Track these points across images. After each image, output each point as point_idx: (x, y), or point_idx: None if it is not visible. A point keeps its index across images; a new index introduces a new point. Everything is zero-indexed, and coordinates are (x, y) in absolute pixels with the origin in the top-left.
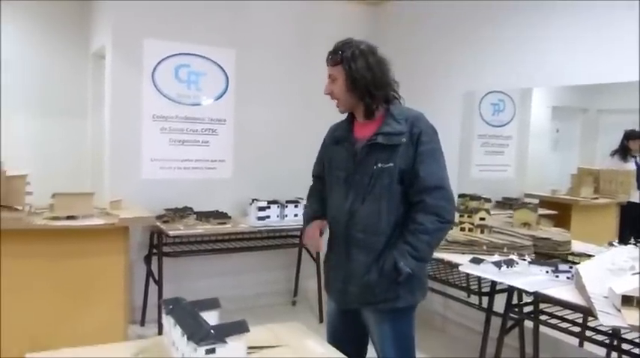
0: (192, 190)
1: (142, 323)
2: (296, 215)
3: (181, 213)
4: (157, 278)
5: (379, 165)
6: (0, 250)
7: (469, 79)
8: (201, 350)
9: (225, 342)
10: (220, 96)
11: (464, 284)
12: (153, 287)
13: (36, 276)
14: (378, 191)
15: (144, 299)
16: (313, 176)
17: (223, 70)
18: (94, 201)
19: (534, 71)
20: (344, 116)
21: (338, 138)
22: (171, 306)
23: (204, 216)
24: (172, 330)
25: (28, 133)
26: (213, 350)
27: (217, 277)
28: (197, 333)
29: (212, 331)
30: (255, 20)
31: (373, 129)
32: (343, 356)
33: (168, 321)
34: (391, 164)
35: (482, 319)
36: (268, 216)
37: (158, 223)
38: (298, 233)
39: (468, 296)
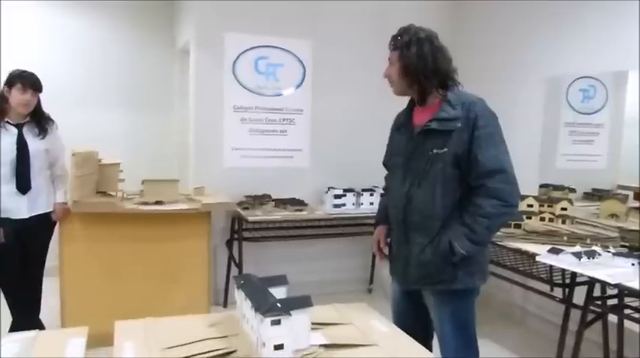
0: (271, 178)
1: (225, 304)
2: (371, 203)
3: (260, 199)
4: (237, 261)
5: (434, 150)
6: (95, 232)
7: (552, 64)
8: (267, 321)
9: (289, 315)
10: (297, 87)
11: (542, 275)
12: (234, 271)
13: (127, 257)
14: (433, 176)
15: (226, 282)
16: (383, 164)
17: (300, 62)
18: (179, 188)
19: (627, 52)
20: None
21: (399, 125)
22: (242, 281)
23: (281, 203)
24: (243, 304)
25: (120, 125)
26: (278, 322)
27: (294, 262)
28: (264, 305)
29: (278, 304)
30: (331, 12)
31: (429, 115)
32: (407, 336)
33: (239, 295)
34: (445, 149)
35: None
36: (344, 204)
37: (238, 209)
38: (374, 221)
39: (552, 290)
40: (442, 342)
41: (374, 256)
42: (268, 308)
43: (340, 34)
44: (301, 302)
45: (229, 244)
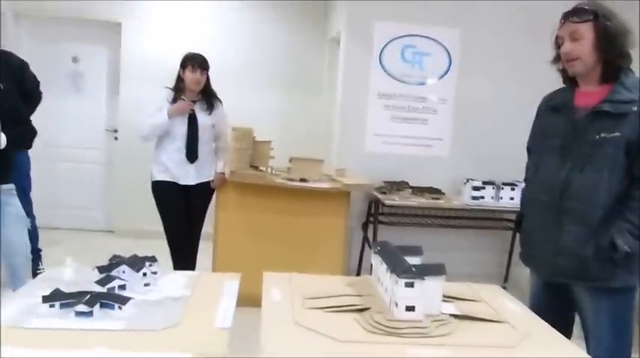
0: (410, 166)
1: None
2: (512, 198)
3: (398, 186)
4: (371, 244)
5: (602, 134)
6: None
7: None
8: (402, 282)
9: (423, 279)
10: (442, 76)
11: None
12: (367, 253)
13: (271, 228)
14: (601, 161)
15: (359, 262)
16: (527, 149)
17: (447, 51)
18: (322, 168)
19: None
20: None
21: (555, 106)
22: (379, 247)
23: (419, 191)
24: (378, 267)
25: (272, 107)
26: (412, 284)
27: (427, 251)
28: (399, 268)
29: (413, 268)
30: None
31: (598, 98)
32: (542, 320)
33: (375, 259)
34: (617, 133)
35: None
36: (482, 197)
37: (376, 193)
38: (514, 216)
39: None
40: (594, 340)
41: (511, 252)
42: (403, 270)
43: (489, 23)
44: (435, 269)
45: (365, 226)
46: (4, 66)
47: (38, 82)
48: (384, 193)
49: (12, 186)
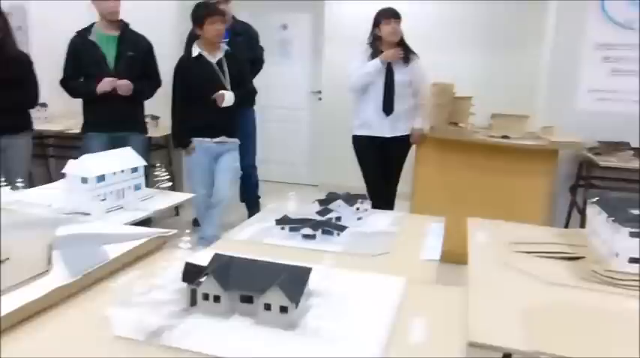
0: (632, 125)
1: None
2: None
3: (616, 146)
4: (581, 209)
5: None
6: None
7: None
8: (625, 231)
9: None
10: None
11: None
12: (574, 218)
13: (469, 185)
14: None
15: (565, 227)
16: None
17: None
18: (527, 125)
19: None
20: None
21: None
22: (597, 198)
23: None
24: (595, 218)
25: (474, 64)
26: (637, 235)
27: None
28: (622, 216)
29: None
30: None
31: None
32: None
33: (592, 210)
34: None
35: None
36: None
37: (589, 154)
38: None
39: None
40: None
41: None
42: (627, 218)
43: None
44: None
45: (573, 190)
46: (241, 35)
47: (263, 50)
48: (599, 154)
49: (236, 141)
